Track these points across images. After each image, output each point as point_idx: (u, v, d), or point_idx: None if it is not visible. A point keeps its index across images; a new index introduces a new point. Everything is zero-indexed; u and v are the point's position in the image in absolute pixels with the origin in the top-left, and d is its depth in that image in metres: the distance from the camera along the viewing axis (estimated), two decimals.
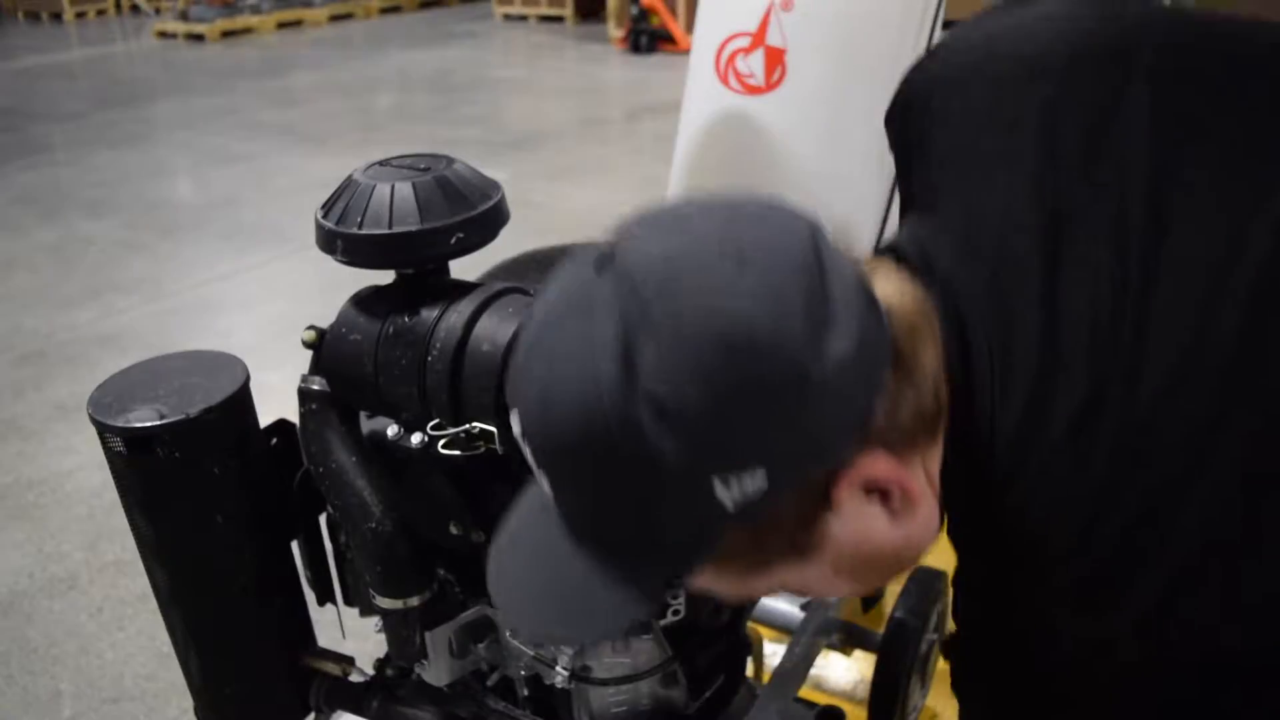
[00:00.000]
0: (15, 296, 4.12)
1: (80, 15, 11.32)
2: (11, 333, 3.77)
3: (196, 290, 4.14)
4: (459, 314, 0.88)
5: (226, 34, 10.03)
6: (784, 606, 1.66)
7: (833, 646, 1.63)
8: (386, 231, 0.90)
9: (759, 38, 1.42)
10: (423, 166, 0.95)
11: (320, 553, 1.11)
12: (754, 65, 1.43)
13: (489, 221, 0.94)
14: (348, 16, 10.99)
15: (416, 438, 0.93)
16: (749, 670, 1.67)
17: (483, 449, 0.89)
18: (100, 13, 11.55)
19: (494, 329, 0.87)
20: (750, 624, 1.69)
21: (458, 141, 5.96)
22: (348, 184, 0.94)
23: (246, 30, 10.22)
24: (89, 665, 2.18)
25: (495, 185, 0.97)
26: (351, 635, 1.22)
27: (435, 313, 0.90)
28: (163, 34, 10.20)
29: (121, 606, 2.33)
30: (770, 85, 1.44)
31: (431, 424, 0.90)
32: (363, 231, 0.90)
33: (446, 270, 0.98)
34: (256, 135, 6.44)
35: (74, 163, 5.97)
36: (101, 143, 6.34)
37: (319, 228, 0.94)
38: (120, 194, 5.34)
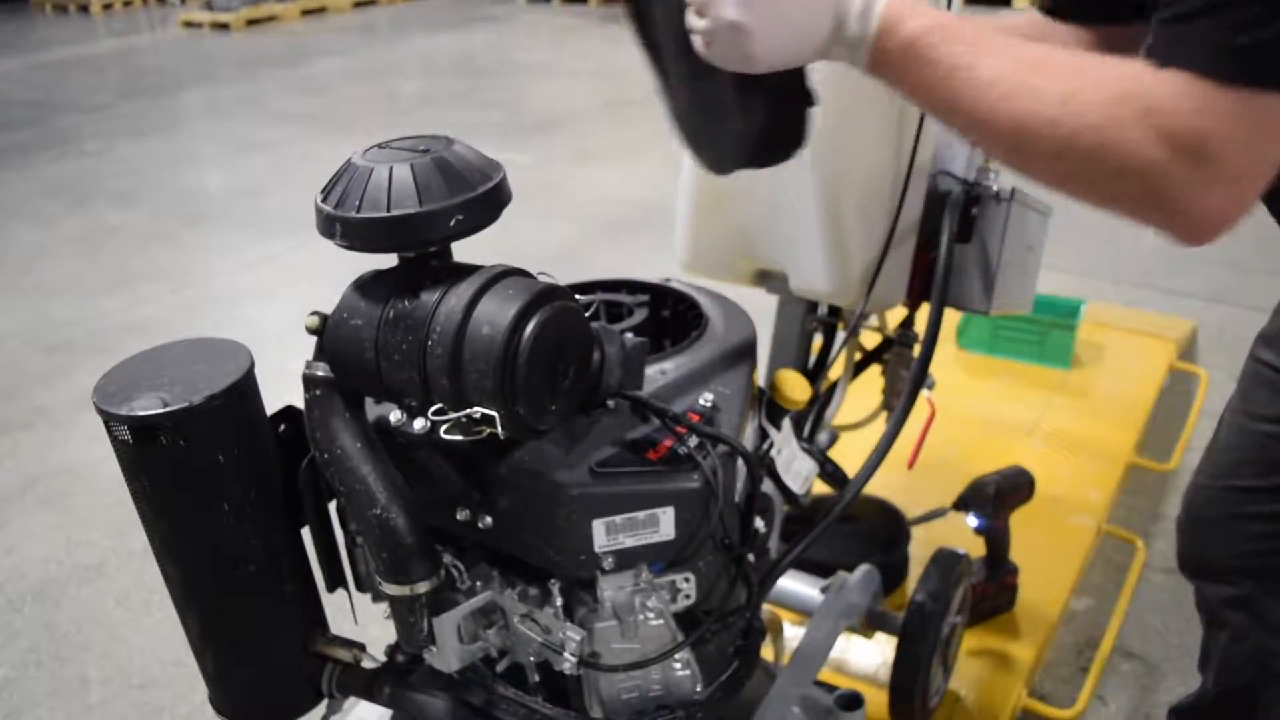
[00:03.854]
0: (44, 287, 4.17)
1: (107, 7, 11.40)
2: (40, 322, 3.81)
3: (222, 278, 4.16)
4: (459, 297, 0.87)
5: (251, 22, 10.07)
6: (804, 589, 1.64)
7: (853, 629, 1.61)
8: (384, 215, 0.88)
9: None
10: (422, 149, 0.93)
11: (330, 539, 1.11)
12: None
13: (489, 202, 0.92)
14: (371, 3, 10.99)
15: (419, 423, 0.92)
16: (769, 654, 1.66)
17: (485, 433, 0.88)
18: (126, 4, 11.63)
19: (494, 312, 0.86)
20: (770, 607, 1.68)
21: (481, 125, 5.95)
22: (346, 167, 0.93)
23: (270, 18, 10.25)
24: (116, 652, 2.20)
25: (496, 166, 0.96)
26: (368, 620, 1.22)
27: (435, 296, 0.88)
28: (188, 24, 10.26)
29: (148, 593, 2.35)
30: None
31: (433, 409, 0.89)
32: (361, 215, 0.89)
33: (449, 253, 0.97)
34: (281, 123, 6.47)
35: (101, 153, 6.02)
36: (128, 133, 6.39)
37: (318, 212, 0.93)
38: (147, 184, 5.38)
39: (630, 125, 6.07)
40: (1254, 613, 1.43)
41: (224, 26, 9.96)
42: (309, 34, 9.77)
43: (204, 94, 7.55)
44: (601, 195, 4.78)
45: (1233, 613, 1.47)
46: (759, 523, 1.08)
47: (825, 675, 1.70)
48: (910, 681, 1.54)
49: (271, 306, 3.86)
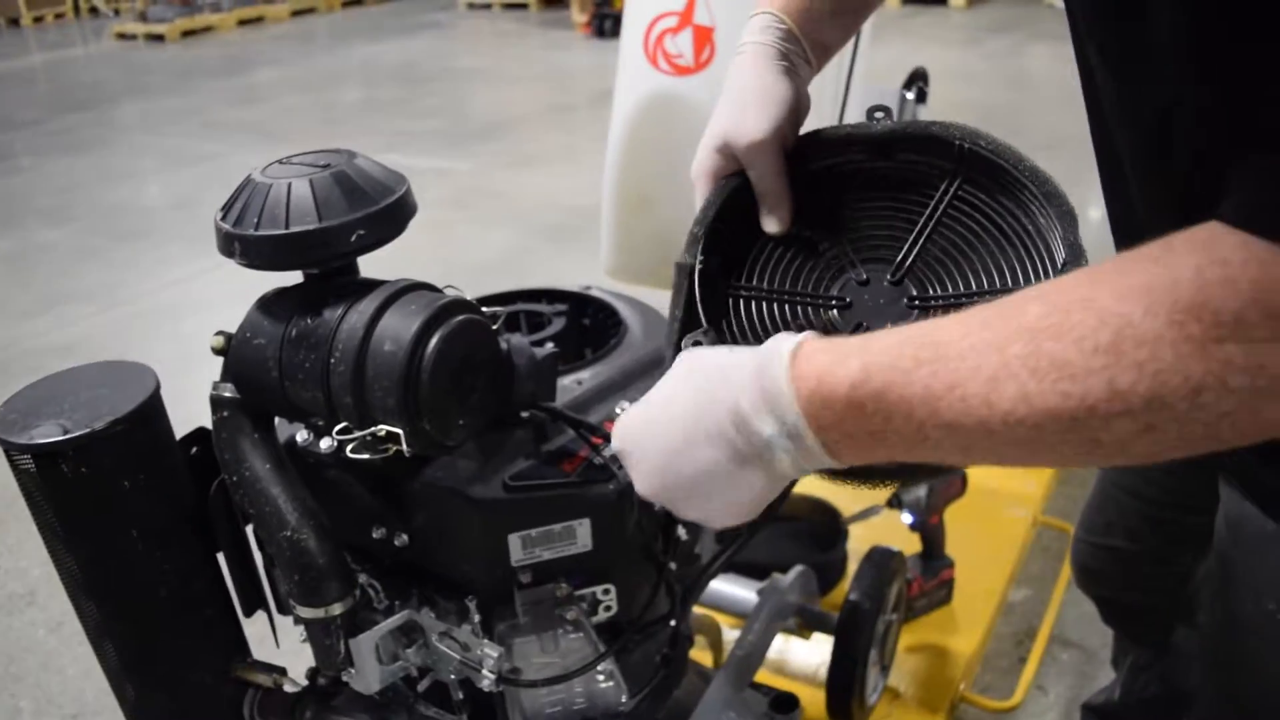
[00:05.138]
0: None
1: (38, 19, 11.18)
2: None
3: (157, 295, 4.09)
4: (360, 314, 0.86)
5: (186, 33, 9.93)
6: (740, 592, 1.64)
7: (790, 630, 1.61)
8: (283, 232, 0.87)
9: (686, 17, 1.40)
10: (322, 163, 0.92)
11: (247, 562, 1.09)
12: (682, 45, 1.40)
13: (392, 217, 0.91)
14: (310, 11, 10.89)
15: (325, 443, 0.91)
16: (709, 658, 1.66)
17: (391, 451, 0.86)
18: (58, 16, 11.41)
19: (396, 328, 0.85)
20: (708, 611, 1.68)
21: (421, 134, 5.91)
22: (245, 184, 0.92)
23: (207, 29, 10.12)
24: (49, 681, 2.15)
25: (400, 179, 0.94)
26: (295, 647, 1.19)
27: (338, 313, 0.87)
28: (122, 35, 10.09)
29: None
30: (700, 65, 1.41)
31: (339, 427, 0.88)
32: (259, 233, 0.88)
33: (354, 268, 0.95)
34: (219, 135, 6.38)
35: (32, 170, 5.90)
36: (60, 148, 6.26)
37: (217, 230, 0.91)
38: (79, 200, 5.28)
39: (572, 130, 6.06)
40: (1155, 646, 1.46)
41: (159, 38, 9.81)
42: (246, 44, 9.65)
43: (139, 107, 7.43)
44: (543, 201, 4.76)
45: (1135, 646, 1.51)
46: (681, 530, 1.08)
47: (765, 676, 1.70)
48: (847, 680, 1.54)
49: (208, 322, 3.76)
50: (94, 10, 11.60)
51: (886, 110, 0.87)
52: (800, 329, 0.79)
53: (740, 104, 0.86)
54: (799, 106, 0.88)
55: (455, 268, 4.01)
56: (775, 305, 0.85)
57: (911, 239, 0.84)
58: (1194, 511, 1.20)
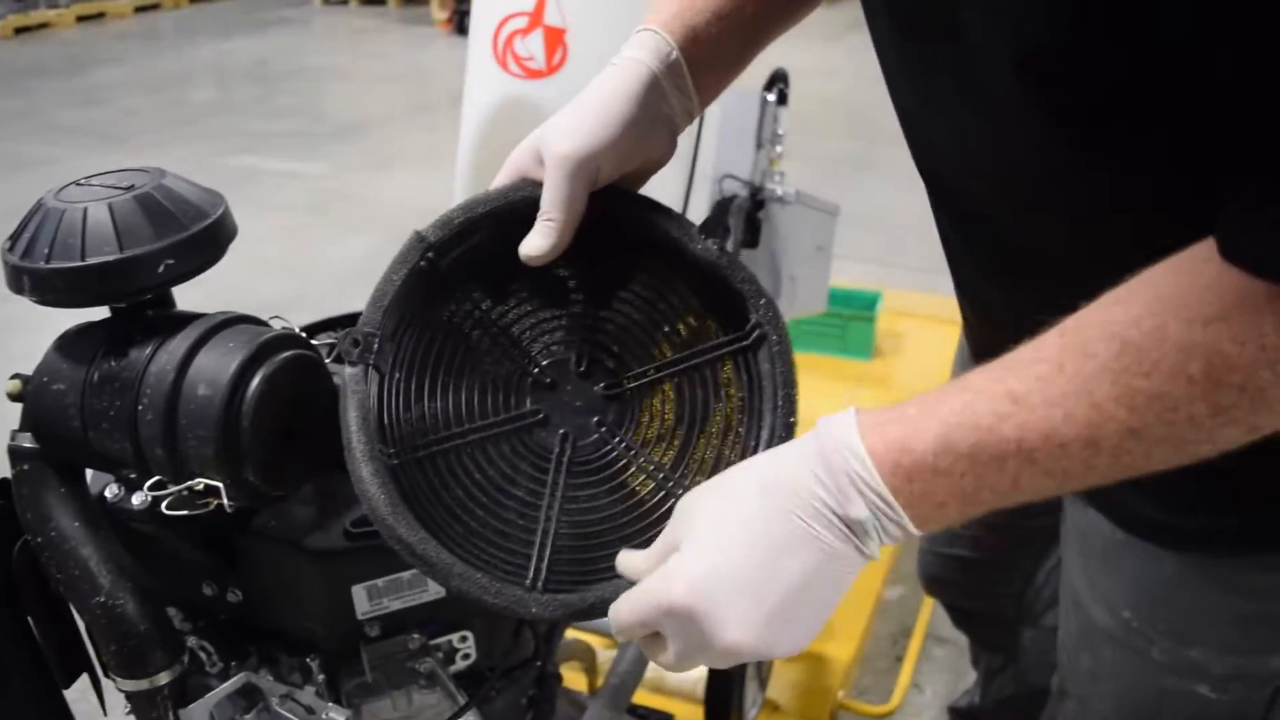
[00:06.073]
0: None
1: None
2: None
3: None
4: (170, 354, 0.77)
5: (20, 30, 9.35)
6: None
7: None
8: (79, 264, 0.77)
9: (537, 17, 1.33)
10: (125, 185, 0.82)
11: (63, 627, 0.98)
12: (533, 47, 1.34)
13: (206, 243, 0.82)
14: (154, 7, 10.39)
15: (138, 498, 0.81)
16: (585, 683, 1.60)
17: (212, 506, 0.78)
18: None
19: (212, 368, 0.76)
20: (581, 634, 1.62)
21: (274, 135, 5.68)
22: (36, 209, 0.82)
23: (42, 25, 9.55)
24: None
25: (216, 200, 0.85)
26: (120, 711, 1.09)
27: (146, 353, 0.78)
28: None
29: None
30: (552, 68, 1.35)
31: (151, 481, 0.79)
32: (51, 265, 0.78)
33: (168, 300, 0.86)
34: (55, 139, 6.01)
35: None
36: None
37: (4, 264, 0.81)
38: None
39: (433, 130, 5.91)
40: (1005, 650, 1.47)
41: None
42: (87, 42, 9.16)
43: None
44: (404, 204, 4.62)
45: (987, 652, 1.53)
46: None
47: (642, 696, 1.66)
48: (725, 697, 1.51)
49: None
50: None
51: (725, 231, 0.79)
52: (484, 385, 0.79)
53: (571, 114, 0.79)
54: (642, 141, 0.80)
55: (313, 275, 3.85)
56: (487, 341, 0.81)
57: (651, 369, 0.78)
58: (1034, 515, 1.20)
